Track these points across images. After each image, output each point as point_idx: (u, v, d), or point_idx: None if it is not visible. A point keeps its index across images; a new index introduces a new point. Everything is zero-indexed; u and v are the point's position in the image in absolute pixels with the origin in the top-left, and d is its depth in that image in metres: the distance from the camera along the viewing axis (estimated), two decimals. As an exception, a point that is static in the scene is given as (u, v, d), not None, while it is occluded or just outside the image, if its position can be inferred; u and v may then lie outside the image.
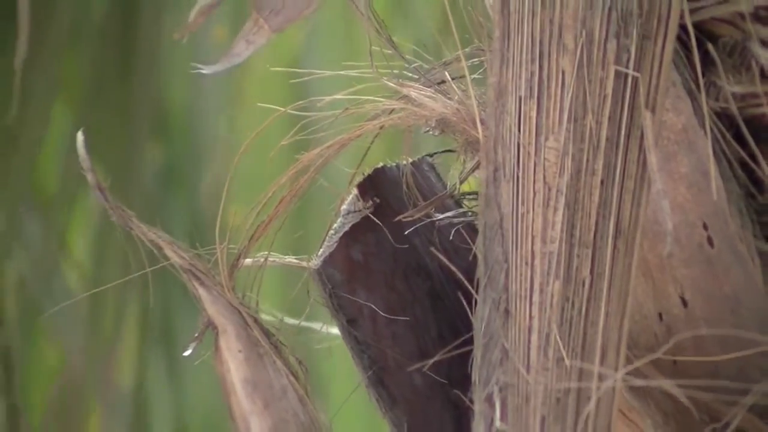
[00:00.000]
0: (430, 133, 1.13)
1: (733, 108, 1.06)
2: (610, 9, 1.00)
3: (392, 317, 1.16)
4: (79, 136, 1.34)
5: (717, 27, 1.09)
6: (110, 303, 2.96)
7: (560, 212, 0.97)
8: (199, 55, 2.38)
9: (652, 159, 0.96)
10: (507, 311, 0.99)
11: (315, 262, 1.15)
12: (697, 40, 1.04)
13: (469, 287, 1.05)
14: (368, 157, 1.15)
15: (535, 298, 0.97)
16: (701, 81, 1.04)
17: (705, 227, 1.06)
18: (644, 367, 1.01)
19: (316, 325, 1.24)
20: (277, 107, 1.40)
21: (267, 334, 1.14)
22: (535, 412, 0.97)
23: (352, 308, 1.15)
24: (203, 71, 1.53)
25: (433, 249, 1.16)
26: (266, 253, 1.15)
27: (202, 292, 1.11)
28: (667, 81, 1.02)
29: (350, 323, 1.15)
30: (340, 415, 1.35)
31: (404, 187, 1.14)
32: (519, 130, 0.98)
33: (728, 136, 1.05)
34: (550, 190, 0.97)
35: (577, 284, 0.98)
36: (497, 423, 0.96)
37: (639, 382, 1.04)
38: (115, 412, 3.19)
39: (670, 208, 1.03)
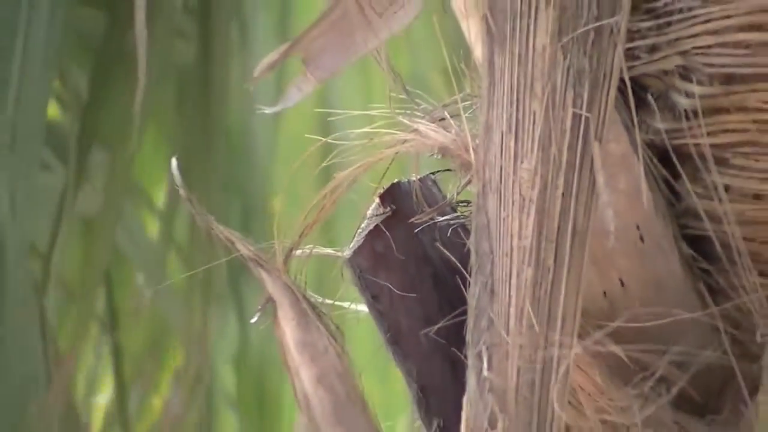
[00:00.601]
0: (434, 157, 1.18)
1: (660, 139, 1.11)
2: (568, 67, 1.06)
3: (405, 294, 1.23)
4: (173, 162, 1.40)
5: (648, 80, 1.14)
6: (201, 277, 2.99)
7: (532, 217, 1.04)
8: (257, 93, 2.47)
9: (600, 178, 1.03)
10: (492, 291, 1.06)
11: (347, 252, 1.21)
12: (633, 89, 1.09)
13: (465, 272, 1.12)
14: (387, 175, 1.21)
15: (513, 281, 1.05)
16: (635, 119, 1.08)
17: (638, 228, 1.11)
18: (595, 331, 1.11)
19: (346, 303, 1.28)
20: (317, 137, 1.47)
21: (312, 306, 1.22)
22: (512, 365, 1.03)
23: (375, 288, 1.22)
24: (266, 111, 1.57)
25: (437, 244, 1.22)
26: (311, 246, 1.22)
27: (263, 275, 1.18)
28: (611, 119, 1.07)
29: (374, 299, 1.23)
30: (365, 369, 1.39)
31: (414, 197, 1.20)
32: (501, 156, 1.05)
33: (655, 160, 1.12)
34: (524, 200, 1.04)
35: (544, 270, 1.05)
36: (485, 372, 1.05)
37: (590, 344, 1.14)
38: (192, 349, 3.05)
39: (613, 215, 1.06)
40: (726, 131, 1.10)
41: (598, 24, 1.05)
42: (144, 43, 1.66)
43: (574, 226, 1.04)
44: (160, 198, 3.32)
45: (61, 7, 2.77)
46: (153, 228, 3.33)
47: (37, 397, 3.19)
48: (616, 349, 1.07)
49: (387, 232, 1.22)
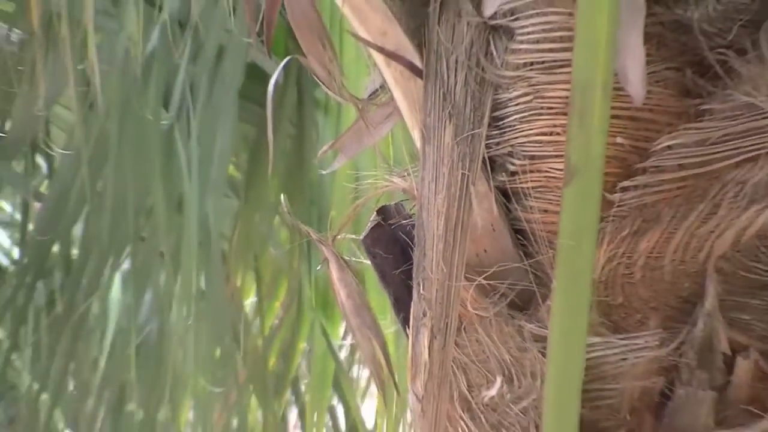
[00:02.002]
0: (402, 192, 1.41)
1: (502, 183, 1.31)
2: (460, 152, 1.25)
3: (387, 256, 1.43)
4: (283, 198, 1.57)
5: (496, 157, 1.33)
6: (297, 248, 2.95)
7: (442, 220, 1.25)
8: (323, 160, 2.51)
9: (474, 202, 1.24)
10: (424, 254, 1.28)
11: (361, 237, 1.44)
12: (490, 161, 1.31)
13: (413, 246, 1.35)
14: (380, 201, 1.46)
15: (434, 249, 1.26)
16: (490, 175, 1.28)
17: (492, 225, 1.29)
18: (472, 273, 1.28)
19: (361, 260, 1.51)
20: (349, 183, 1.59)
21: (345, 262, 1.44)
22: (433, 288, 1.26)
23: (373, 253, 1.43)
24: (325, 172, 1.75)
25: (401, 233, 1.44)
26: (345, 233, 1.46)
27: (323, 247, 1.40)
28: (479, 175, 1.27)
29: (373, 258, 1.43)
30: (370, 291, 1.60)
31: (392, 211, 1.43)
32: (428, 193, 1.27)
33: (500, 194, 1.31)
34: (438, 212, 1.25)
35: (447, 244, 1.26)
36: (421, 291, 1.27)
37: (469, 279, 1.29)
38: (293, 281, 3.03)
39: (479, 219, 1.28)
40: (531, 180, 1.27)
41: (473, 132, 1.25)
42: (272, 130, 1.77)
43: (462, 224, 1.25)
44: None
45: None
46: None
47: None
48: (481, 280, 1.28)
49: (379, 228, 1.45)
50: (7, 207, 3.12)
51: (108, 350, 2.75)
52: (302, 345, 3.00)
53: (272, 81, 1.50)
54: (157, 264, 2.63)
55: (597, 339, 1.22)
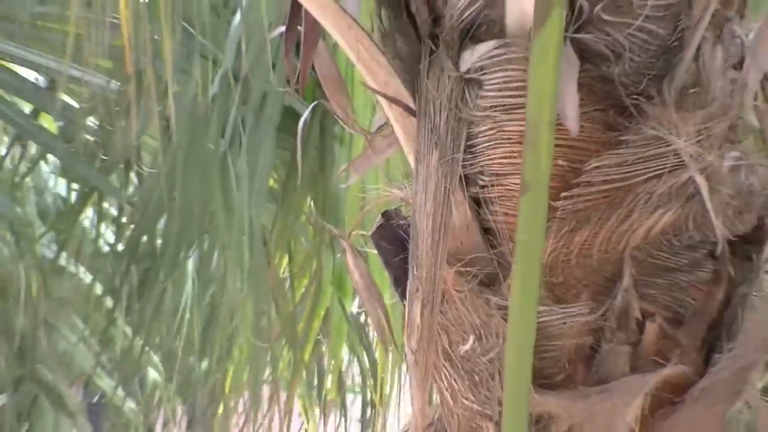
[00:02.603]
0: (400, 201, 1.45)
1: (474, 194, 1.34)
2: (443, 171, 1.31)
3: (388, 247, 1.47)
4: (311, 204, 1.65)
5: (468, 178, 1.36)
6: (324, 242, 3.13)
7: (430, 221, 1.31)
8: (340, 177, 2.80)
9: (453, 209, 1.31)
10: (417, 246, 1.33)
11: (371, 234, 1.46)
12: (465, 178, 1.35)
13: (408, 240, 1.41)
14: (384, 207, 1.47)
15: (423, 243, 1.31)
16: (465, 187, 1.31)
17: (467, 225, 1.34)
18: (454, 261, 1.31)
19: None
20: (361, 193, 1.69)
21: (358, 252, 1.50)
22: (424, 271, 1.33)
23: (379, 246, 1.47)
24: (344, 186, 1.86)
25: (400, 231, 1.49)
26: (358, 231, 1.52)
27: (342, 242, 1.44)
28: (456, 188, 1.32)
29: (379, 248, 1.47)
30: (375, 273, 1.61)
31: (392, 215, 1.47)
32: (419, 201, 1.34)
33: (472, 202, 1.34)
34: (427, 215, 1.31)
35: (434, 240, 1.31)
36: (414, 272, 1.33)
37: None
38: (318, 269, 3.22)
39: (457, 221, 1.33)
40: (495, 192, 1.32)
41: (452, 156, 1.30)
42: (300, 155, 1.82)
43: (445, 224, 1.31)
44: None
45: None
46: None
47: None
48: (458, 267, 1.33)
49: (383, 226, 1.49)
50: (112, 210, 3.30)
51: (182, 314, 3.11)
52: (323, 311, 3.18)
53: (302, 119, 1.62)
54: (217, 251, 2.88)
55: (544, 308, 1.28)
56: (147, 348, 2.99)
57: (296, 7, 1.33)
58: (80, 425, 3.45)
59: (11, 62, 2.63)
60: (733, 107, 1.31)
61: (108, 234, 3.29)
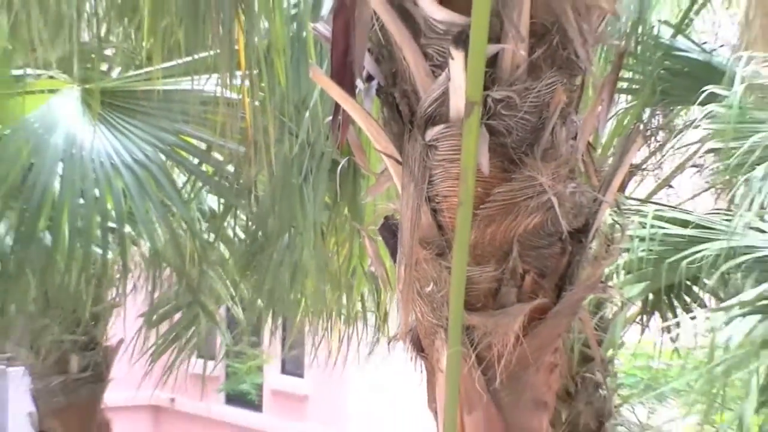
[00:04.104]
0: (394, 210, 1.62)
1: (432, 208, 1.56)
2: (417, 195, 1.48)
3: (391, 240, 1.61)
4: (347, 212, 1.93)
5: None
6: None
7: (408, 225, 1.50)
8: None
9: (422, 217, 1.50)
10: (402, 237, 1.52)
11: (378, 227, 1.63)
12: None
13: (397, 232, 1.59)
14: (385, 214, 1.65)
15: (405, 232, 1.50)
16: (429, 207, 1.50)
17: (429, 225, 1.51)
18: (423, 243, 1.53)
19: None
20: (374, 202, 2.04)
21: (372, 239, 1.66)
22: (404, 251, 1.52)
23: (383, 234, 1.63)
24: (364, 201, 2.21)
25: (394, 227, 1.62)
26: (373, 226, 1.68)
27: (363, 233, 1.64)
28: (424, 205, 1.51)
29: (383, 237, 1.63)
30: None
31: (391, 218, 1.61)
32: (405, 212, 1.52)
33: (434, 212, 1.52)
34: (408, 222, 1.49)
35: (411, 231, 1.49)
36: (399, 249, 1.51)
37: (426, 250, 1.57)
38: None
39: (424, 223, 1.51)
40: (445, 205, 1.50)
41: (422, 186, 1.50)
42: (338, 184, 2.27)
43: (417, 223, 1.50)
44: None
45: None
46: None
47: None
48: (424, 245, 1.50)
49: (385, 224, 1.64)
50: (242, 216, 3.96)
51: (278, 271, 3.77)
52: (351, 269, 3.83)
53: (340, 166, 1.95)
54: (298, 237, 3.50)
55: (470, 268, 1.52)
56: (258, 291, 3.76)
57: (338, 106, 1.62)
58: (223, 331, 4.08)
59: (186, 135, 3.44)
60: (572, 160, 1.64)
61: (237, 230, 4.00)
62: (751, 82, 2.61)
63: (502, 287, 1.59)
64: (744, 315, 2.57)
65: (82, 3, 2.47)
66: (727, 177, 2.85)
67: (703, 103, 3.01)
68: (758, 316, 2.59)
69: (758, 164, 2.59)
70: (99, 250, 3.21)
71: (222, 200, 3.64)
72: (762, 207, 2.59)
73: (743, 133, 2.73)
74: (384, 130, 1.61)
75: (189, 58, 2.79)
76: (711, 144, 3.08)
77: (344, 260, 3.67)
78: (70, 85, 3.32)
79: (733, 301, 2.67)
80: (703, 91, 2.91)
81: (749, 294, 2.63)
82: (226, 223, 3.76)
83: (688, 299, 3.31)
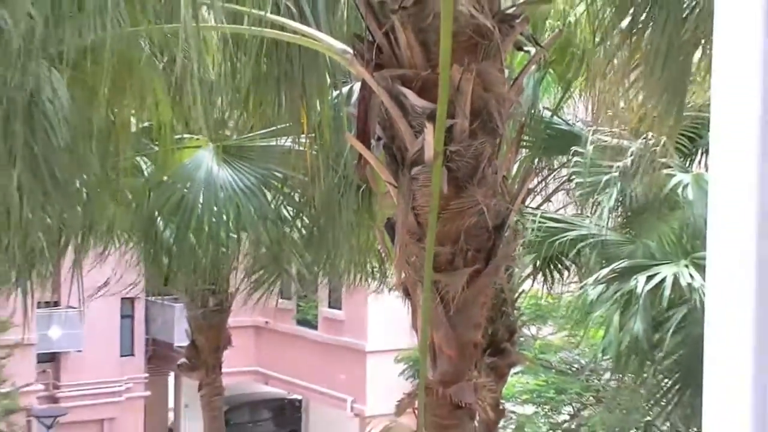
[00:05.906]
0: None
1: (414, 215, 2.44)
2: (407, 207, 2.34)
3: (391, 232, 2.33)
4: (367, 217, 3.16)
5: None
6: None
7: (401, 224, 2.26)
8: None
9: (409, 220, 2.50)
10: (398, 233, 2.37)
11: (384, 224, 2.26)
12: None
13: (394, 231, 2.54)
14: (388, 215, 2.49)
15: (400, 231, 2.26)
16: (414, 214, 2.36)
17: (413, 223, 2.31)
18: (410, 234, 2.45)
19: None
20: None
21: (381, 231, 2.44)
22: (400, 245, 2.41)
23: (389, 232, 2.25)
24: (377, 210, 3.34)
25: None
26: (380, 224, 2.64)
27: (376, 227, 2.55)
28: (410, 213, 2.45)
29: (387, 230, 2.27)
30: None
31: (392, 219, 2.27)
32: (400, 216, 2.29)
33: (416, 216, 2.40)
34: (401, 222, 2.31)
35: (403, 233, 2.27)
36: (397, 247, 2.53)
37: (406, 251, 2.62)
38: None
39: (410, 223, 2.32)
40: (421, 213, 2.32)
41: (411, 204, 2.38)
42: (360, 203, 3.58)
43: (406, 220, 2.22)
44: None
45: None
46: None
47: None
48: (410, 235, 2.27)
49: (389, 222, 2.28)
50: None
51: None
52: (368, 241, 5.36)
53: (362, 188, 3.12)
54: (338, 235, 5.08)
55: (436, 247, 2.53)
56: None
57: (360, 155, 2.72)
58: (296, 284, 6.89)
59: (274, 171, 5.54)
60: (494, 186, 2.74)
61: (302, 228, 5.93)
62: (596, 143, 4.61)
63: (455, 258, 2.60)
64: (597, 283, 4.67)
65: (215, 96, 4.21)
66: (582, 197, 4.93)
67: (568, 154, 5.10)
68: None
69: (600, 191, 4.71)
70: (224, 239, 5.29)
71: (293, 209, 5.52)
72: (599, 215, 4.78)
73: (592, 173, 4.83)
74: (387, 168, 2.63)
75: (275, 127, 4.63)
76: (573, 178, 5.15)
77: (364, 242, 5.40)
78: (207, 143, 5.46)
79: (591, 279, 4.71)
80: (569, 148, 4.95)
81: (603, 272, 4.63)
82: (296, 223, 5.56)
83: (559, 265, 5.51)
